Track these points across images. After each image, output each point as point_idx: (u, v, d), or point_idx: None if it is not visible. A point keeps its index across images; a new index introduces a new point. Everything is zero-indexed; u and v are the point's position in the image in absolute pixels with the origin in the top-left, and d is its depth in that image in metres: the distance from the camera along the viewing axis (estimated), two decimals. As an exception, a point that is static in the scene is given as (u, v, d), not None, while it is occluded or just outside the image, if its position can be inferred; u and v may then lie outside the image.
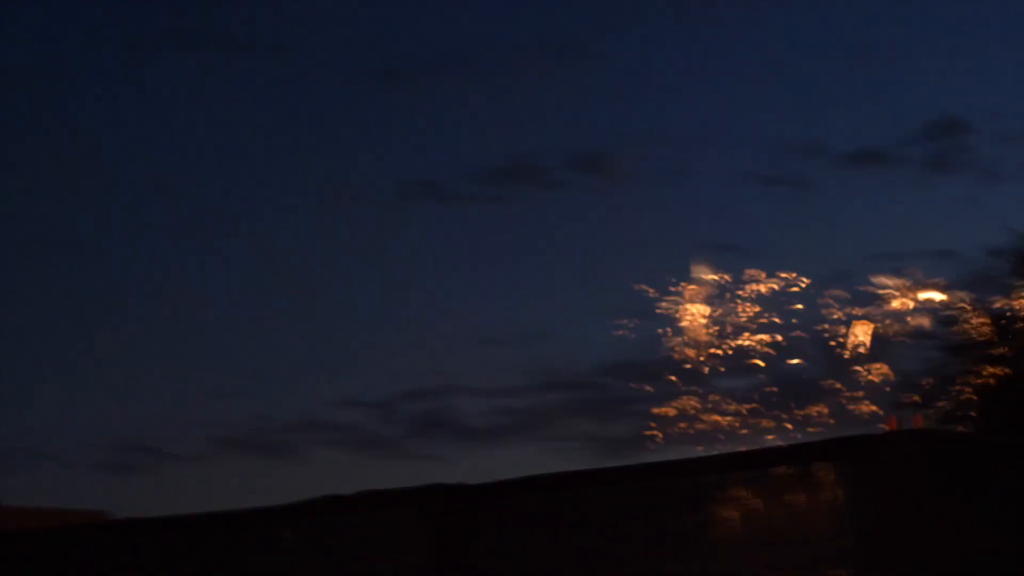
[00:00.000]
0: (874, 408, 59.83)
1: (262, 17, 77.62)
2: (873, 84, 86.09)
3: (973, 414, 46.03)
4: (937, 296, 60.73)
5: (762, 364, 62.38)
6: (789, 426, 61.37)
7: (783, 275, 62.45)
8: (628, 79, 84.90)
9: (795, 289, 62.03)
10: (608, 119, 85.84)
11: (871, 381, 61.34)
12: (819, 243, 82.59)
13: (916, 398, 50.68)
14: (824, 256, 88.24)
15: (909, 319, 61.04)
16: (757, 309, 61.69)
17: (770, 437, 58.45)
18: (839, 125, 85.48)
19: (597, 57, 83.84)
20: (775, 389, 62.33)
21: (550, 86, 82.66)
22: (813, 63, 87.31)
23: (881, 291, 61.27)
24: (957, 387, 49.90)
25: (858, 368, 61.37)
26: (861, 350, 61.67)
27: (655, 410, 59.92)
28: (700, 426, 60.00)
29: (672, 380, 60.31)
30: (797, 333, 62.51)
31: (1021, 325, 49.31)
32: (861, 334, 61.15)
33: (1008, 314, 50.09)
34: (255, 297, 77.98)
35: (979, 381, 47.08)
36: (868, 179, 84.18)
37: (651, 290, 63.56)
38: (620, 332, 61.39)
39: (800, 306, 62.63)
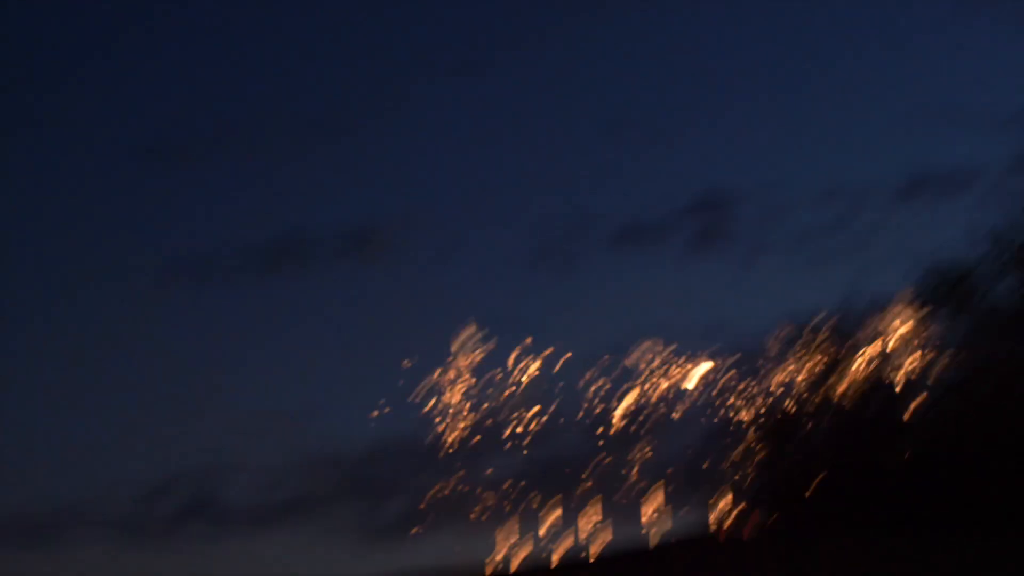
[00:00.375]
0: (643, 483, 60.68)
1: (20, 93, 76.06)
2: (639, 161, 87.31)
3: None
4: (701, 372, 61.85)
5: (526, 442, 63.01)
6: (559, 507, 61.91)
7: (549, 352, 62.81)
8: (396, 156, 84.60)
9: (558, 367, 62.41)
10: (376, 196, 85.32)
11: (639, 456, 62.28)
12: (586, 319, 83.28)
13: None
14: (591, 332, 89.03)
15: (672, 395, 62.08)
16: (524, 384, 62.11)
17: (541, 514, 58.73)
18: (606, 202, 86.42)
19: (364, 134, 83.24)
20: (541, 467, 62.49)
21: (317, 163, 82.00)
22: (580, 141, 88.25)
23: (648, 367, 62.08)
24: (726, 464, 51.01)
25: (626, 443, 62.25)
26: (627, 424, 62.44)
27: (426, 492, 59.48)
28: (470, 508, 59.91)
29: (441, 460, 60.23)
30: (564, 409, 63.14)
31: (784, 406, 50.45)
32: (626, 410, 62.03)
33: (770, 392, 51.39)
34: (17, 377, 76.04)
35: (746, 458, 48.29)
36: (634, 255, 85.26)
37: (420, 368, 63.53)
38: (388, 410, 61.15)
39: (563, 384, 63.10)
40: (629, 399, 61.30)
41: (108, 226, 76.98)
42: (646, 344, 71.88)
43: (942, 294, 34.00)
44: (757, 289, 78.20)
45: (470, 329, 62.10)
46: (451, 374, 60.11)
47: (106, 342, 76.51)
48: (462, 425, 61.14)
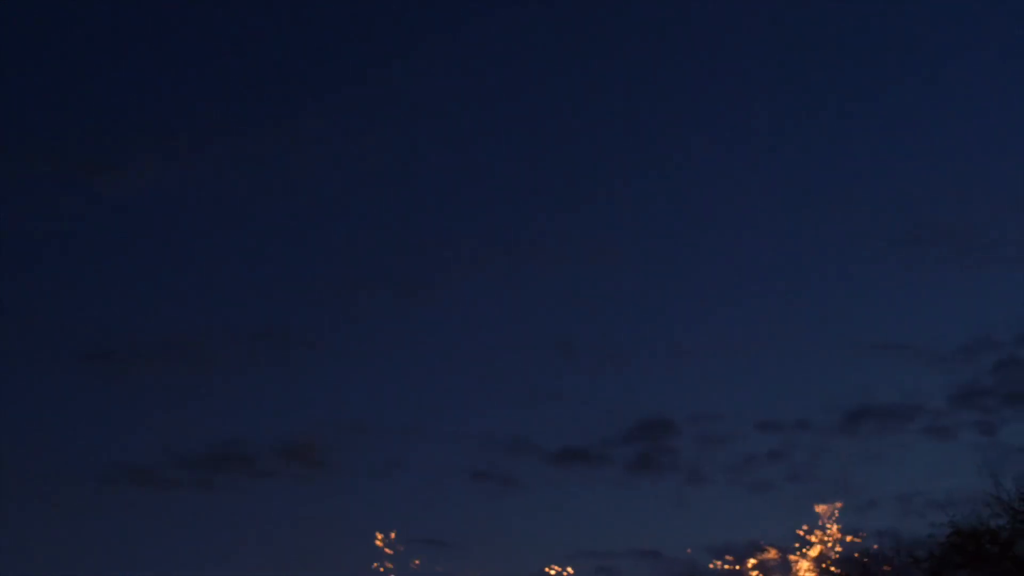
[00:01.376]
0: None
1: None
2: (581, 384, 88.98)
3: None
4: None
5: None
6: None
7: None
8: (339, 368, 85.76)
9: None
10: (316, 411, 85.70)
11: None
12: (524, 539, 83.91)
13: None
14: (529, 552, 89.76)
15: None
16: None
17: None
18: (547, 423, 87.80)
19: (306, 350, 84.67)
20: None
21: (259, 376, 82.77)
22: (523, 362, 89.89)
23: None
24: None
25: None
26: None
27: None
28: None
29: None
30: None
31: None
32: None
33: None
34: None
35: None
36: (574, 477, 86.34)
37: None
38: None
39: None
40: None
41: (50, 431, 76.66)
42: (584, 566, 71.95)
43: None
44: (694, 515, 78.48)
45: (408, 545, 62.30)
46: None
47: (45, 545, 75.65)
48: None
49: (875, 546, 56.94)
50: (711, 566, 63.12)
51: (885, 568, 59.88)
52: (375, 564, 61.74)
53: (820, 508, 69.97)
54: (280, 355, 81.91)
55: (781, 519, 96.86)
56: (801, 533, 62.36)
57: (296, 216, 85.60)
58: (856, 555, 59.66)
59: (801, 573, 61.46)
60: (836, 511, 71.58)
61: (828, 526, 66.59)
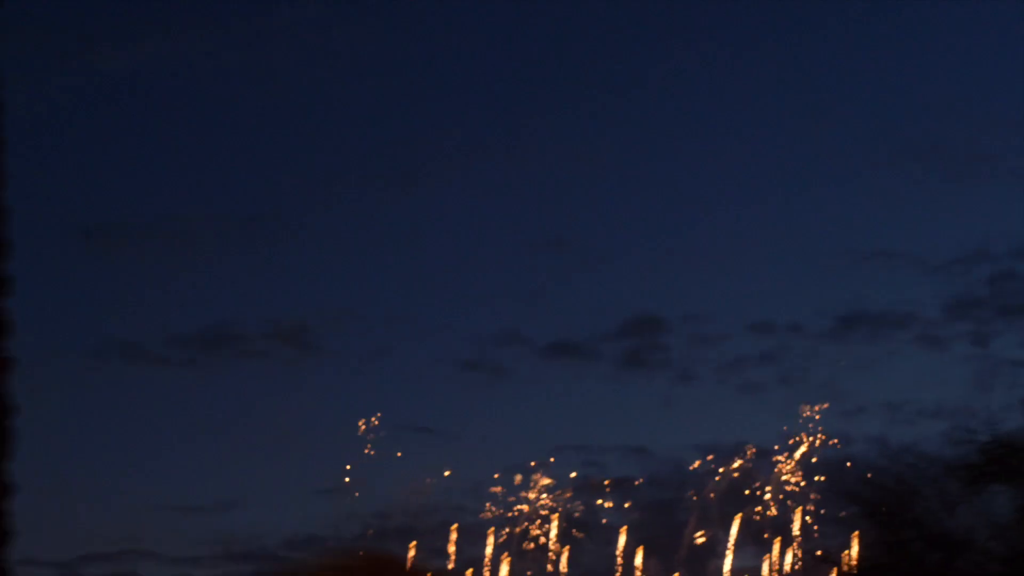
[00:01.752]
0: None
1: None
2: (573, 279, 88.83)
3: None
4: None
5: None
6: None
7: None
8: (331, 256, 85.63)
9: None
10: (308, 294, 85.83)
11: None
12: (512, 430, 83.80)
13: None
14: (516, 443, 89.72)
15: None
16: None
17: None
18: (538, 317, 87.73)
19: (300, 232, 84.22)
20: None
21: (252, 258, 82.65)
22: (515, 254, 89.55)
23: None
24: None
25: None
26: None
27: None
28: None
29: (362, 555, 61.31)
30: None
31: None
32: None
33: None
34: None
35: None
36: (564, 371, 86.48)
37: (347, 466, 64.15)
38: (312, 506, 61.53)
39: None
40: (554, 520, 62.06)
41: (44, 305, 76.69)
42: (570, 459, 72.39)
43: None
44: (683, 414, 78.82)
45: (398, 431, 62.64)
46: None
47: (35, 419, 75.71)
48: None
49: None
50: (696, 465, 63.57)
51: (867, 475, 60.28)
52: (366, 449, 62.12)
53: (804, 409, 70.42)
54: (273, 239, 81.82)
55: (769, 421, 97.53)
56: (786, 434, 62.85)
57: (292, 102, 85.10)
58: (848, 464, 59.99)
59: (784, 475, 61.82)
60: (818, 414, 72.06)
61: (813, 429, 67.00)
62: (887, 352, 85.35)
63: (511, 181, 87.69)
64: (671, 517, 63.35)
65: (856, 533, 56.11)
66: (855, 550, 57.33)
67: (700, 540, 62.22)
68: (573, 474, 64.00)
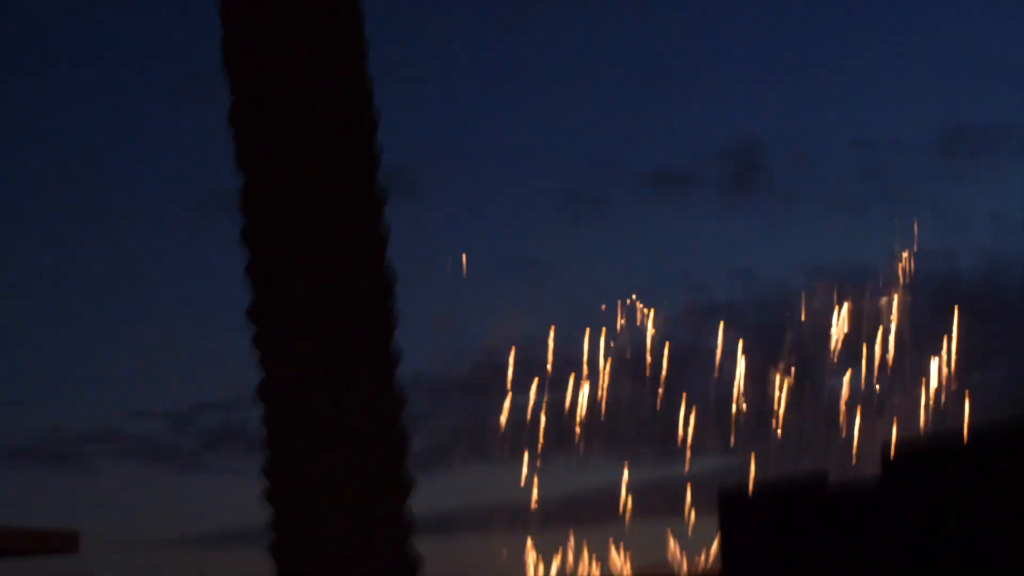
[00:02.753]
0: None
1: (57, 23, 75.65)
2: (674, 106, 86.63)
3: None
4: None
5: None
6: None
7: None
8: (425, 91, 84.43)
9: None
10: (407, 136, 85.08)
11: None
12: (615, 260, 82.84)
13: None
14: (620, 273, 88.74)
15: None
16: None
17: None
18: (638, 145, 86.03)
19: (399, 73, 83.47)
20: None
21: None
22: (612, 83, 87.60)
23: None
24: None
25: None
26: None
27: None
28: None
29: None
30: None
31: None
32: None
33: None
34: (41, 302, 76.30)
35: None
36: (665, 198, 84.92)
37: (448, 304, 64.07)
38: (419, 343, 62.79)
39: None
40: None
41: (149, 158, 77.16)
42: (679, 287, 71.76)
43: None
44: (787, 236, 77.73)
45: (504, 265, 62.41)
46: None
47: (143, 271, 76.91)
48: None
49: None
50: (804, 291, 62.82)
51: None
52: (467, 284, 62.29)
53: (909, 224, 69.27)
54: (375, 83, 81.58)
55: (873, 238, 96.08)
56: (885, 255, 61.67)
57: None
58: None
59: (888, 291, 60.82)
60: (922, 229, 70.80)
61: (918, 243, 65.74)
62: (991, 165, 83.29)
63: (611, 7, 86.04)
64: (780, 338, 62.68)
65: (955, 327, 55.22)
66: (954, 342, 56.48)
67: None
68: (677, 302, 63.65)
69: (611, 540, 62.50)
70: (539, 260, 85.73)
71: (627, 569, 61.84)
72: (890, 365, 60.53)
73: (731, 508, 35.16)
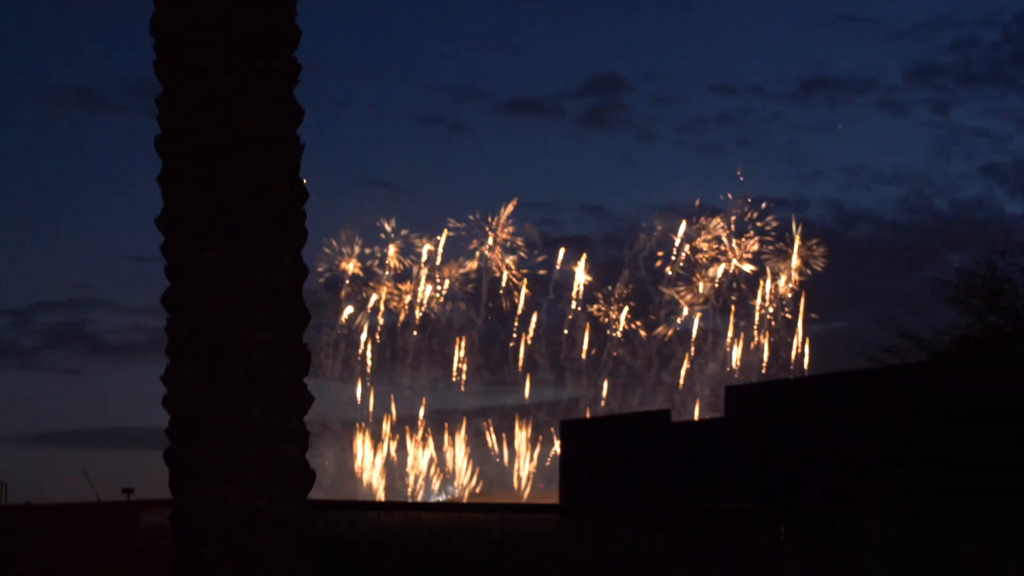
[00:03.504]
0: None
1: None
2: (536, 35, 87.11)
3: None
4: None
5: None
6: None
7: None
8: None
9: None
10: None
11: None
12: (471, 185, 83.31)
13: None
14: (476, 198, 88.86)
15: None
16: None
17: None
18: (499, 72, 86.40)
19: None
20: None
21: None
22: (477, 9, 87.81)
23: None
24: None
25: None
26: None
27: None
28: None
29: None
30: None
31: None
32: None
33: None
34: None
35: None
36: (524, 127, 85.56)
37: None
38: None
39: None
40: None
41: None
42: (525, 217, 72.02)
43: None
44: (642, 173, 78.57)
45: (356, 186, 61.98)
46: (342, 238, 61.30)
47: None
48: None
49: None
50: (651, 224, 63.58)
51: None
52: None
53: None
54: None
55: (727, 182, 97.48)
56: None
57: None
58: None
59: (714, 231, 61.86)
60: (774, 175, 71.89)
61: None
62: (847, 117, 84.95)
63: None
64: (623, 275, 63.46)
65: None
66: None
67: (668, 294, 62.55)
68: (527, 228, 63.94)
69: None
70: (393, 181, 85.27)
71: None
72: (732, 309, 61.82)
73: (570, 437, 35.81)
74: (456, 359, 63.40)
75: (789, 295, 61.48)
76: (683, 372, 61.97)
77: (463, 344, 63.40)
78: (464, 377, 63.47)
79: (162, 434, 9.53)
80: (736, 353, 61.82)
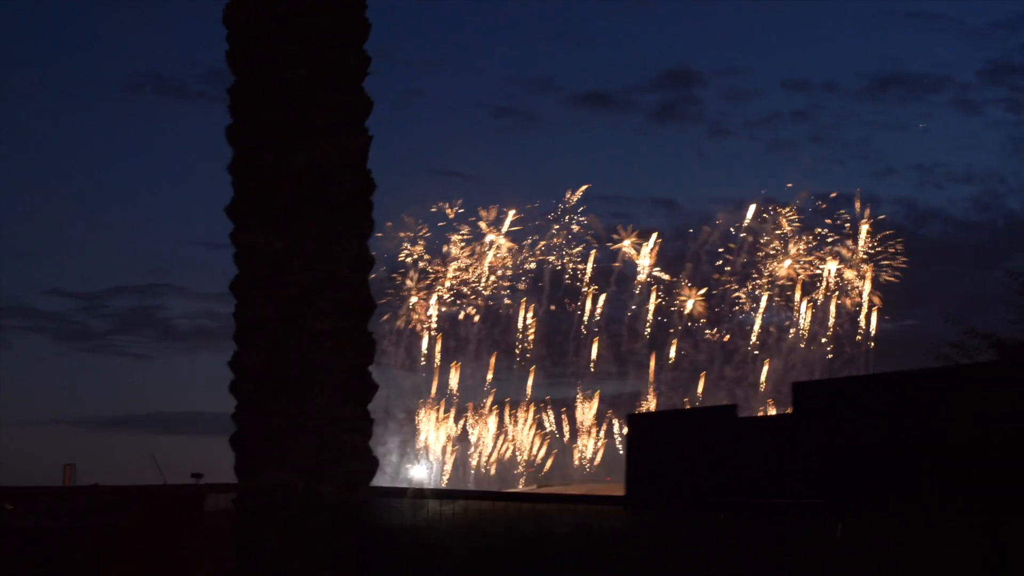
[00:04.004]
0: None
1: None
2: (609, 29, 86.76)
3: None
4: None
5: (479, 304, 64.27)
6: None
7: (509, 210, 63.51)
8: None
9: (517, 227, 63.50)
10: None
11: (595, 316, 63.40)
12: (542, 177, 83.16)
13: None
14: (547, 191, 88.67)
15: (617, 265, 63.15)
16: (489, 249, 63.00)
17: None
18: (572, 65, 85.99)
19: None
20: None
21: None
22: (549, 0, 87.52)
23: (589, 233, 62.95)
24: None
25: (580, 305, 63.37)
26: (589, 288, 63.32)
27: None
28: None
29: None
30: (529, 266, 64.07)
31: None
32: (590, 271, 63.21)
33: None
34: None
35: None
36: (596, 120, 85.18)
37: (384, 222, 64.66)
38: None
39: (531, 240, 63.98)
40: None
41: (74, 37, 76.36)
42: (598, 209, 71.97)
43: None
44: (713, 167, 78.50)
45: (430, 177, 62.30)
46: (408, 224, 61.57)
47: (65, 151, 76.28)
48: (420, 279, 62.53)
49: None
50: (718, 219, 63.47)
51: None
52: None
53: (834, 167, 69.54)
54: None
55: (799, 178, 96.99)
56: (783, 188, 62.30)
57: None
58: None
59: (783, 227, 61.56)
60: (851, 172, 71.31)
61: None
62: (920, 115, 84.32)
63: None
64: (694, 268, 63.41)
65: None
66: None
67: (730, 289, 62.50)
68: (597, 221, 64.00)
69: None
70: (465, 171, 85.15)
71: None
72: (803, 306, 61.58)
73: (637, 429, 35.88)
74: (518, 347, 63.61)
75: (860, 295, 61.21)
76: (764, 371, 61.86)
77: (526, 333, 63.60)
78: (529, 365, 63.66)
79: (230, 420, 9.67)
80: (801, 348, 61.63)
